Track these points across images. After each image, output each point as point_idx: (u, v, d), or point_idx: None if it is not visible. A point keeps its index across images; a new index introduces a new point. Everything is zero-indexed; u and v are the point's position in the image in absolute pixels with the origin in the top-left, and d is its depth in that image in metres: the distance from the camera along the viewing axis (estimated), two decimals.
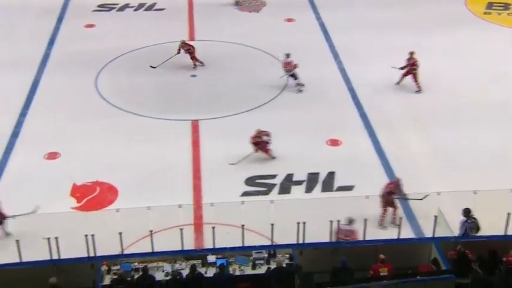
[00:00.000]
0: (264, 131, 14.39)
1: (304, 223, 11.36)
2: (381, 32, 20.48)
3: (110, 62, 18.91)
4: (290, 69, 17.44)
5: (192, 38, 20.56)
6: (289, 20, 21.69)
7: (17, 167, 14.22)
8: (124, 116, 16.37)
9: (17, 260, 10.95)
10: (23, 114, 16.18)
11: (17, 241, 10.99)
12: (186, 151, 15.02)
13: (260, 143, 14.35)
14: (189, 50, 18.36)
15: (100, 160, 14.54)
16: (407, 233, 12.25)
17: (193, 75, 18.37)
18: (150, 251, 11.36)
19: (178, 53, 18.22)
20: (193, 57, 18.41)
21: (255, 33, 20.74)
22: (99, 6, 22.65)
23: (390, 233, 12.02)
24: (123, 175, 13.98)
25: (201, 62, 18.53)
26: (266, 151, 14.42)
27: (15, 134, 15.33)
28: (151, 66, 18.16)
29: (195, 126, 16.04)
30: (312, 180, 13.99)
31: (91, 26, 21.28)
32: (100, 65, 18.63)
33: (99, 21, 21.58)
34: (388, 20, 21.35)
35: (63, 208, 12.46)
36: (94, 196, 13.42)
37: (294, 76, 17.49)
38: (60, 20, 21.50)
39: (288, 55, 17.55)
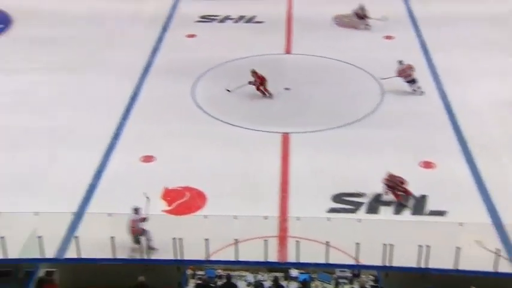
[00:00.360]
0: (398, 177, 13.47)
1: (391, 245, 11.01)
2: (484, 52, 19.60)
3: (208, 71, 19.43)
4: (409, 73, 17.27)
5: (288, 51, 20.71)
6: (389, 37, 21.28)
7: (115, 167, 14.88)
8: (218, 125, 16.71)
9: (111, 256, 11.46)
10: (125, 117, 16.96)
11: (112, 238, 11.49)
12: (275, 163, 15.06)
13: (392, 187, 13.48)
14: (255, 81, 17.76)
15: (192, 166, 14.91)
16: (505, 265, 11.48)
17: (287, 88, 18.44)
18: (234, 259, 11.47)
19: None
20: (258, 89, 17.81)
21: (352, 49, 20.54)
22: (201, 17, 23.39)
23: (486, 264, 11.34)
24: (213, 182, 14.25)
25: (264, 92, 17.83)
26: (396, 196, 13.56)
27: (116, 136, 16.09)
28: (227, 90, 18.17)
29: (285, 138, 16.08)
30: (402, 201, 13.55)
31: (192, 36, 22.00)
32: (198, 74, 19.19)
33: (200, 31, 22.26)
34: (492, 40, 20.41)
35: (154, 210, 12.87)
36: (184, 201, 13.76)
37: (413, 81, 17.29)
38: (164, 29, 22.42)
39: (400, 62, 17.35)
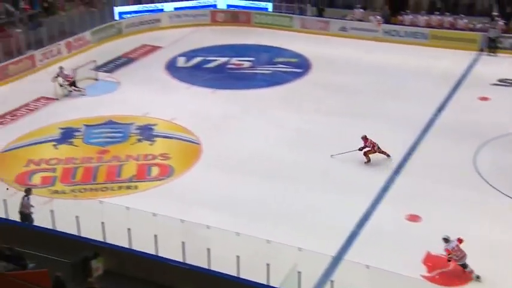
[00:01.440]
0: None
1: None
2: None
3: (495, 138, 17.88)
4: None
5: None
6: None
7: (379, 220, 14.53)
8: (498, 197, 15.17)
9: None
10: (397, 171, 16.56)
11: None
12: None
13: None
14: (364, 146, 16.78)
15: (461, 236, 13.68)
16: None
17: None
18: None
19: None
20: (365, 154, 16.79)
21: None
22: (499, 80, 21.95)
23: None
24: (482, 258, 12.73)
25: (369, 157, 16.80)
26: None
27: (385, 189, 15.77)
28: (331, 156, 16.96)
29: None
30: None
31: (485, 98, 20.67)
32: (484, 140, 17.78)
33: (496, 95, 20.86)
34: None
35: (413, 274, 12.07)
36: (447, 271, 12.69)
37: None
38: (455, 88, 21.59)
39: None
